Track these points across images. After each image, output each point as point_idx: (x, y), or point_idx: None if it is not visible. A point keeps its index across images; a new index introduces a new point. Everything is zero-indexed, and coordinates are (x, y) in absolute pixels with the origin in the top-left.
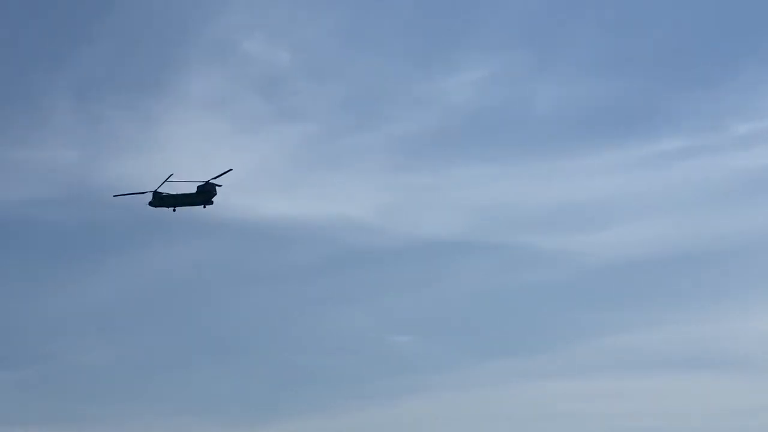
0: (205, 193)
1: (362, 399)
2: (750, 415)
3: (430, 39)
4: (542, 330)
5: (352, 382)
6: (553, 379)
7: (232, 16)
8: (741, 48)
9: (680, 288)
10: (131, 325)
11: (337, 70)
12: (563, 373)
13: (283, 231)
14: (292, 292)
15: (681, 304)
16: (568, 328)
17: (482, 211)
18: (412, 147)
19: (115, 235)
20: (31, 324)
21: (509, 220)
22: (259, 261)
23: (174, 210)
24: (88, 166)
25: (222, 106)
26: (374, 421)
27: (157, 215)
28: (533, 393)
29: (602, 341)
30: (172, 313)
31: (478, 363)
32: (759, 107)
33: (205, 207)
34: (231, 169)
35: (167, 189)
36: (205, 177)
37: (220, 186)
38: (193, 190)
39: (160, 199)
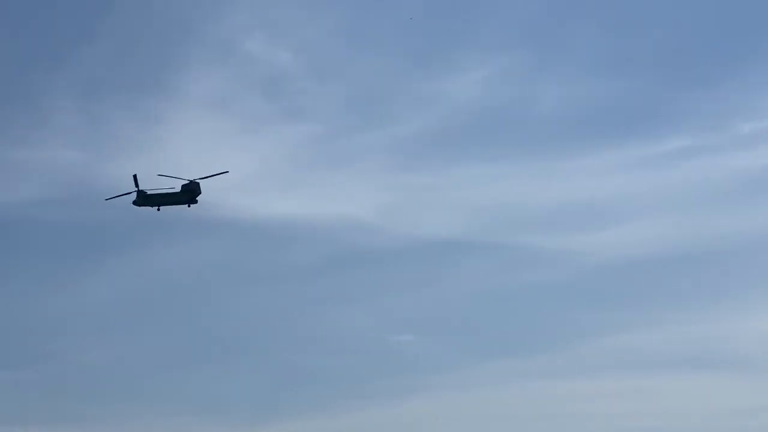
0: (189, 192)
1: (363, 399)
2: (750, 415)
3: (431, 39)
4: (542, 330)
5: (352, 382)
6: (554, 379)
7: (233, 16)
8: (743, 48)
9: (681, 288)
10: (131, 325)
11: (339, 70)
12: (563, 373)
13: (285, 231)
14: (293, 291)
15: (681, 304)
16: (569, 328)
17: (483, 211)
18: (413, 147)
19: (116, 235)
20: (31, 324)
21: (510, 220)
22: (261, 261)
23: (158, 209)
24: (89, 166)
25: (223, 106)
26: (375, 421)
27: (158, 215)
28: (533, 393)
29: (603, 341)
30: (172, 314)
31: (479, 363)
32: (761, 107)
33: (189, 206)
34: (227, 171)
35: (151, 188)
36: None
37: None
38: (178, 189)
39: (144, 198)
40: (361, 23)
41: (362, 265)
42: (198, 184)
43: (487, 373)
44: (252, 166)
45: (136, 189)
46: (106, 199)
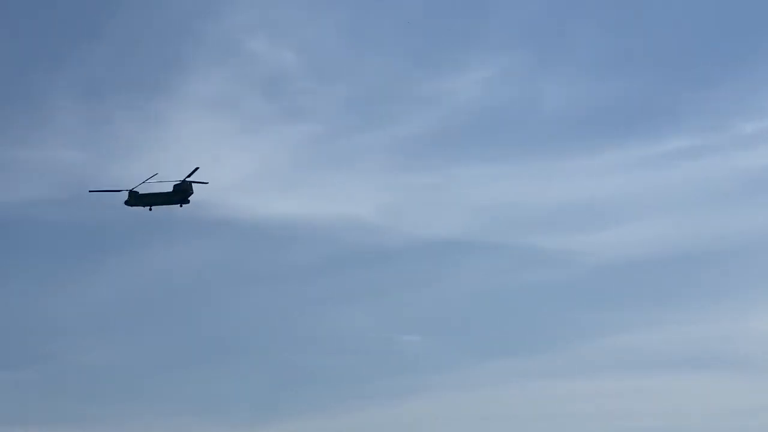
0: (181, 192)
1: (364, 399)
2: (750, 415)
3: (432, 39)
4: (544, 330)
5: (352, 382)
6: (555, 379)
7: (235, 16)
8: (744, 47)
9: (681, 288)
10: (131, 325)
11: (340, 70)
12: (565, 373)
13: (285, 231)
14: (294, 291)
15: (682, 304)
16: (570, 328)
17: (484, 211)
18: (415, 147)
19: (116, 235)
20: (31, 324)
21: (512, 220)
22: (263, 261)
23: (150, 209)
24: (89, 166)
25: (225, 106)
26: (377, 421)
27: (158, 215)
28: (535, 393)
29: (603, 341)
30: (172, 314)
31: (479, 363)
32: (763, 107)
33: (181, 206)
34: (197, 168)
35: (143, 188)
36: (209, 177)
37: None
38: (170, 189)
39: (136, 198)
40: (362, 23)
41: (362, 265)
42: (190, 184)
43: (488, 373)
44: (253, 165)
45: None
46: (90, 191)
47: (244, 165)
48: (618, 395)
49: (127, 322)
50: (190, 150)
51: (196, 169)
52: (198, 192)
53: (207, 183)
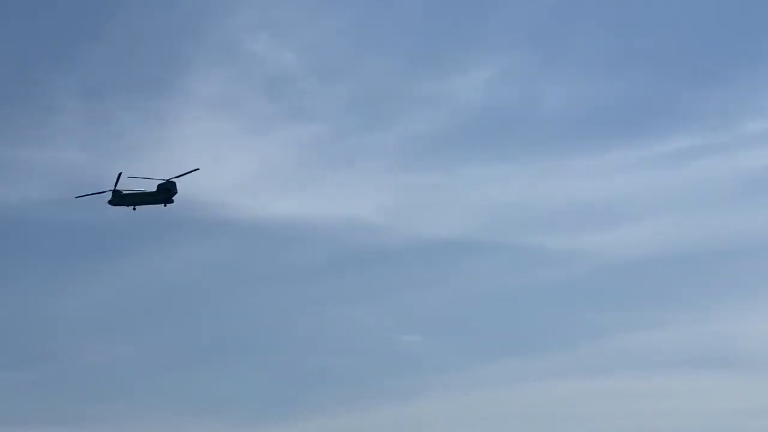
0: (165, 191)
1: (365, 399)
2: (750, 415)
3: (435, 40)
4: (545, 330)
5: (354, 382)
6: (556, 379)
7: (238, 16)
8: (746, 47)
9: (683, 288)
10: (132, 325)
11: (343, 70)
12: (566, 373)
13: (288, 231)
14: (296, 291)
15: (684, 304)
16: (572, 328)
17: (486, 211)
18: (416, 147)
19: (116, 235)
20: (31, 324)
21: (517, 220)
22: (264, 261)
23: (134, 209)
24: (91, 167)
25: (228, 107)
26: (377, 421)
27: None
28: (536, 393)
29: (606, 341)
30: (173, 314)
31: (481, 363)
32: (764, 106)
33: (165, 205)
34: (197, 168)
35: (127, 187)
36: (210, 177)
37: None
38: (154, 188)
39: (120, 198)
40: (364, 23)
41: (364, 266)
42: (174, 183)
43: (489, 373)
44: (254, 166)
45: (112, 189)
46: (77, 197)
47: (245, 165)
48: (619, 395)
49: (127, 322)
50: (192, 150)
51: (195, 170)
52: (198, 192)
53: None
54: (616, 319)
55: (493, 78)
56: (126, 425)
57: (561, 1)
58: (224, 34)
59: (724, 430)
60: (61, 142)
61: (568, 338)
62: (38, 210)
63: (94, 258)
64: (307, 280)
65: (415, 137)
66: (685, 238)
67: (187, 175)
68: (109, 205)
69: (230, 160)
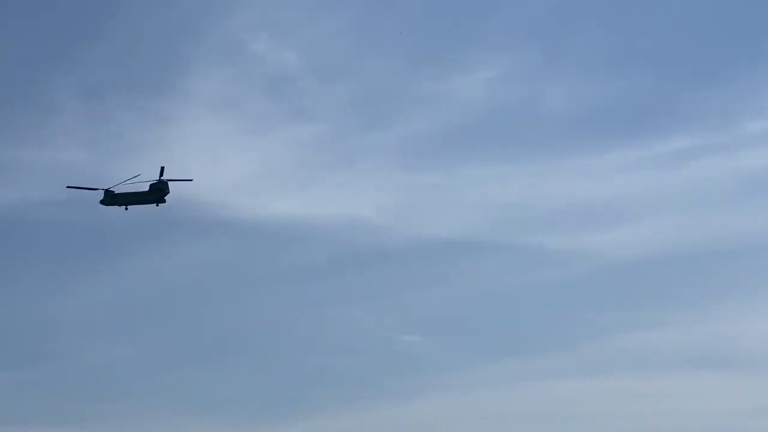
0: (157, 192)
1: (365, 399)
2: (750, 415)
3: (435, 39)
4: (545, 330)
5: (354, 382)
6: (557, 379)
7: (238, 16)
8: (746, 47)
9: (683, 288)
10: (132, 325)
11: (344, 70)
12: (566, 373)
13: (288, 231)
14: (296, 291)
15: (684, 304)
16: (572, 328)
17: (487, 211)
18: (417, 147)
19: (116, 235)
20: (31, 324)
21: (514, 220)
22: (264, 261)
23: (126, 209)
24: (91, 167)
25: (228, 107)
26: (377, 421)
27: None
28: (536, 393)
29: (606, 341)
30: (172, 314)
31: (481, 363)
32: (764, 106)
33: (157, 205)
34: (191, 179)
35: (119, 188)
36: (211, 177)
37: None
38: (146, 188)
39: (111, 198)
40: (364, 23)
41: (364, 265)
42: (166, 183)
43: (489, 373)
44: (254, 165)
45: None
46: (68, 187)
47: (245, 165)
48: (619, 395)
49: (127, 322)
50: (192, 150)
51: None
52: (198, 192)
53: (191, 180)
54: (616, 319)
55: (494, 78)
56: (126, 425)
57: (561, 1)
58: (224, 34)
59: (724, 430)
60: (61, 142)
61: (568, 338)
62: (38, 210)
63: (95, 258)
64: (307, 280)
65: (415, 137)
66: (685, 238)
67: (179, 181)
68: (101, 205)
69: (230, 160)
